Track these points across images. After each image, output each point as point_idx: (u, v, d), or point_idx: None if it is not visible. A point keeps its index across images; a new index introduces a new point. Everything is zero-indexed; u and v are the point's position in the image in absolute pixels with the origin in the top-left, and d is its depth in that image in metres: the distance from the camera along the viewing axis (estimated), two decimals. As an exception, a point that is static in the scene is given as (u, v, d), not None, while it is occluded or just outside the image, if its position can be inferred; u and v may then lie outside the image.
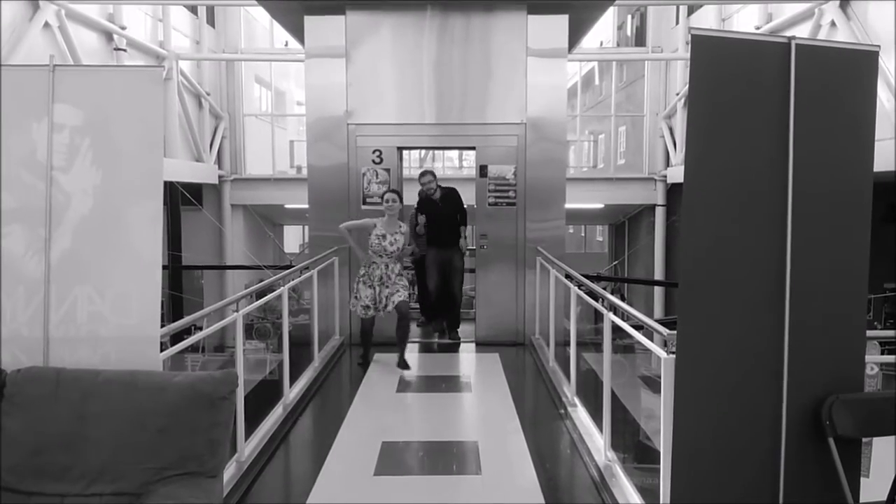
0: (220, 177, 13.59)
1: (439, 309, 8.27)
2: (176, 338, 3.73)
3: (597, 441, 4.49)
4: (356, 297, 6.57)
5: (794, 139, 2.70)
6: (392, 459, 4.46)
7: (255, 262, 13.31)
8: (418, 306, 8.82)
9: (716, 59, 2.65)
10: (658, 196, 13.82)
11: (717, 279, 2.72)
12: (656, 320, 3.70)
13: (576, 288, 5.47)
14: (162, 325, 3.16)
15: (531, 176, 7.84)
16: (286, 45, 13.83)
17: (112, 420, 2.74)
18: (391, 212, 6.56)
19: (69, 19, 9.24)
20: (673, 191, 13.47)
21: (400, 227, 6.56)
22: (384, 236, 6.45)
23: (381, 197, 7.01)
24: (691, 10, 12.95)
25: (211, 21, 13.70)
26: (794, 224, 2.71)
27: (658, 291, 14.10)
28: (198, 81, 12.96)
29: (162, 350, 3.16)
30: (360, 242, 6.81)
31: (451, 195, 7.84)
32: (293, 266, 7.03)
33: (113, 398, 2.78)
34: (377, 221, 6.52)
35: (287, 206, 14.38)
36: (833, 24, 8.73)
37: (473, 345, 7.81)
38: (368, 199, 7.83)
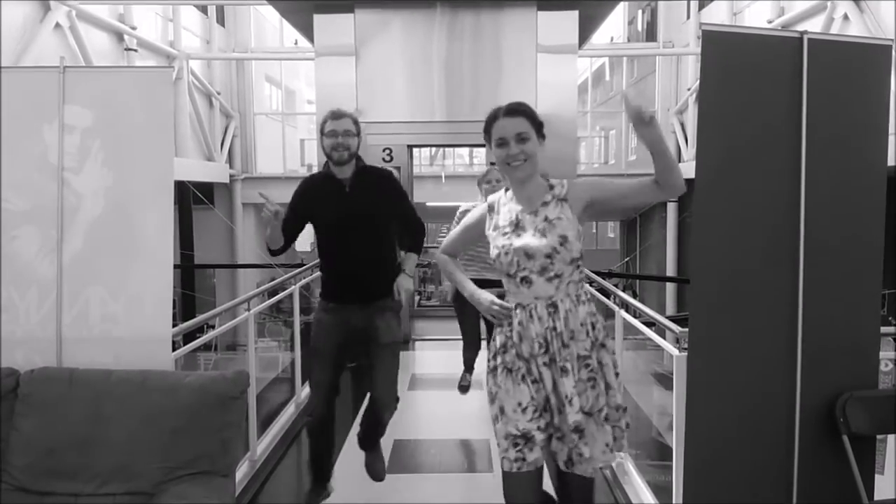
0: (231, 176, 13.63)
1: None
2: (188, 337, 3.74)
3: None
4: (499, 411, 2.41)
5: (807, 134, 2.67)
6: (404, 457, 4.47)
7: (267, 261, 13.35)
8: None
9: (727, 54, 2.63)
10: (670, 192, 13.73)
11: (729, 275, 2.70)
12: (668, 317, 3.68)
13: (587, 285, 5.44)
14: (174, 325, 3.17)
15: (542, 172, 7.80)
16: (296, 43, 13.84)
17: (124, 420, 2.75)
18: (516, 172, 2.41)
19: (80, 20, 9.27)
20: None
21: (551, 186, 2.46)
22: (517, 224, 2.42)
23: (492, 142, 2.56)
24: (702, 5, 12.87)
25: (221, 20, 13.73)
26: (807, 219, 2.69)
27: (670, 288, 14.04)
28: (208, 81, 13.00)
29: (174, 349, 3.17)
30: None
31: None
32: (304, 265, 7.04)
33: (125, 398, 2.79)
34: (493, 198, 2.57)
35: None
36: (846, 17, 8.65)
37: (485, 342, 7.79)
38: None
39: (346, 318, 3.43)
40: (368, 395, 3.61)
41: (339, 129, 3.29)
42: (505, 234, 2.42)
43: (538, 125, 2.41)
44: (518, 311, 2.39)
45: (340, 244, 3.39)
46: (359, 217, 3.35)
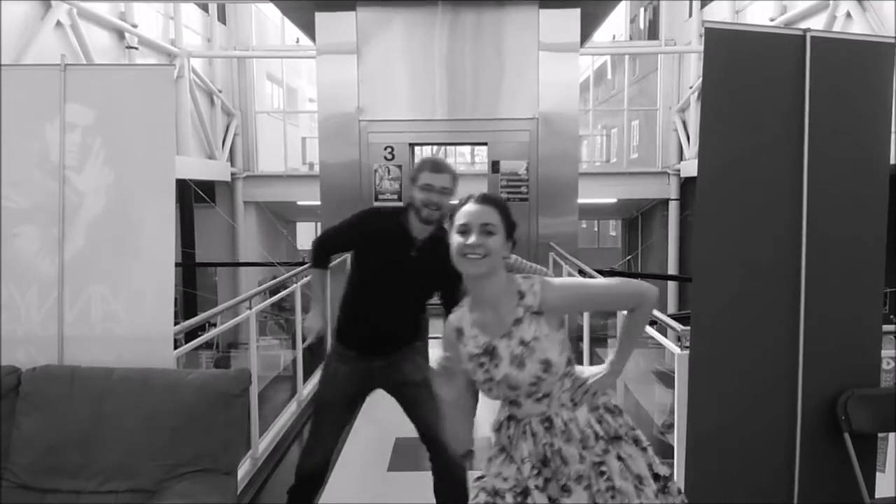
0: (232, 174, 13.64)
1: None
2: (190, 335, 3.74)
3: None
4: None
5: (809, 132, 2.67)
6: (406, 455, 4.46)
7: (268, 259, 13.35)
8: None
9: (729, 52, 2.63)
10: (671, 190, 13.75)
11: (731, 274, 2.70)
12: (670, 315, 3.67)
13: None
14: (175, 323, 3.17)
15: (543, 171, 7.81)
16: (297, 41, 13.85)
17: (126, 418, 2.76)
18: (471, 266, 2.04)
19: (81, 18, 9.28)
20: (686, 185, 13.40)
21: (521, 295, 2.06)
22: (491, 352, 2.07)
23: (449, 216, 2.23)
24: (704, 3, 12.86)
25: (222, 18, 13.73)
26: (810, 217, 2.69)
27: (671, 286, 14.04)
28: (210, 79, 13.00)
29: (176, 347, 3.17)
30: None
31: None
32: (306, 263, 7.04)
33: (127, 396, 2.80)
34: (457, 320, 2.15)
35: (299, 202, 14.42)
36: (848, 15, 8.64)
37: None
38: (381, 196, 7.83)
39: (365, 369, 3.07)
40: (430, 459, 3.15)
41: (436, 185, 2.85)
42: (481, 365, 2.07)
43: (510, 225, 2.08)
44: (512, 424, 2.12)
45: (381, 299, 3.02)
46: (414, 282, 3.00)
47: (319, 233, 3.16)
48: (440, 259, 2.85)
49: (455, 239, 2.03)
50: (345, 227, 3.14)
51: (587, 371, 2.14)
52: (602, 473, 2.02)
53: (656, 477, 2.08)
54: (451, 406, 2.17)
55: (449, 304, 2.90)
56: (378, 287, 3.03)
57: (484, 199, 2.07)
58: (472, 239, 2.00)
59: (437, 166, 2.91)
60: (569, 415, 2.05)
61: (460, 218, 2.05)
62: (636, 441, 2.10)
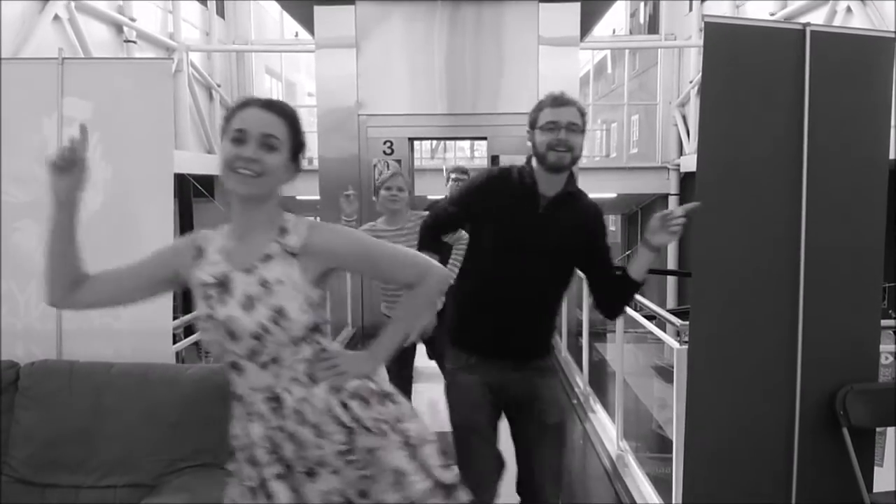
0: (231, 169, 13.61)
1: None
2: (189, 329, 3.74)
3: (609, 431, 4.48)
4: None
5: (809, 127, 2.67)
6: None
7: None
8: None
9: (729, 46, 2.62)
10: (671, 185, 13.72)
11: (731, 269, 2.70)
12: (669, 310, 3.68)
13: (588, 278, 5.44)
14: (175, 317, 3.17)
15: (543, 166, 7.79)
16: (296, 35, 13.81)
17: (125, 412, 2.75)
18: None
19: (79, 12, 9.24)
20: (686, 180, 13.38)
21: (282, 231, 1.77)
22: (223, 284, 1.74)
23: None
24: (704, -3, 12.85)
25: (221, 12, 13.70)
26: (809, 212, 2.69)
27: (671, 281, 14.03)
28: (208, 73, 12.97)
29: (175, 342, 3.17)
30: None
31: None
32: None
33: (126, 391, 2.79)
34: (204, 236, 1.86)
35: (298, 197, 14.40)
36: (849, 9, 8.62)
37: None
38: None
39: (496, 379, 2.46)
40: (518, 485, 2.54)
41: (561, 121, 2.35)
42: (208, 297, 1.71)
43: (297, 143, 1.74)
44: (239, 405, 1.75)
45: (510, 279, 2.38)
46: (548, 249, 2.39)
47: (428, 215, 2.70)
48: (579, 219, 2.43)
49: (227, 148, 1.68)
50: (464, 198, 2.55)
51: (343, 351, 1.81)
52: (351, 462, 1.70)
53: (439, 484, 1.76)
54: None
55: (600, 286, 2.52)
56: (502, 265, 2.40)
57: (270, 105, 1.72)
58: (247, 151, 1.66)
59: (559, 100, 2.40)
60: (302, 392, 1.71)
61: (237, 122, 1.69)
62: (406, 439, 1.76)
